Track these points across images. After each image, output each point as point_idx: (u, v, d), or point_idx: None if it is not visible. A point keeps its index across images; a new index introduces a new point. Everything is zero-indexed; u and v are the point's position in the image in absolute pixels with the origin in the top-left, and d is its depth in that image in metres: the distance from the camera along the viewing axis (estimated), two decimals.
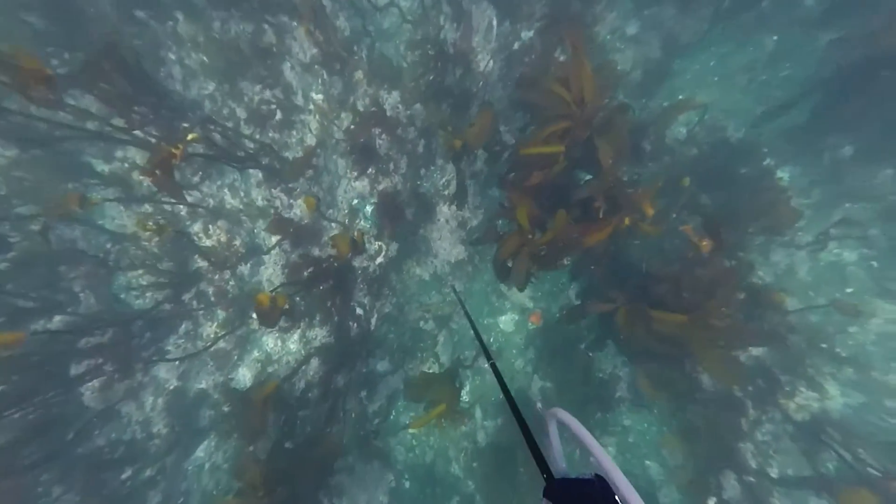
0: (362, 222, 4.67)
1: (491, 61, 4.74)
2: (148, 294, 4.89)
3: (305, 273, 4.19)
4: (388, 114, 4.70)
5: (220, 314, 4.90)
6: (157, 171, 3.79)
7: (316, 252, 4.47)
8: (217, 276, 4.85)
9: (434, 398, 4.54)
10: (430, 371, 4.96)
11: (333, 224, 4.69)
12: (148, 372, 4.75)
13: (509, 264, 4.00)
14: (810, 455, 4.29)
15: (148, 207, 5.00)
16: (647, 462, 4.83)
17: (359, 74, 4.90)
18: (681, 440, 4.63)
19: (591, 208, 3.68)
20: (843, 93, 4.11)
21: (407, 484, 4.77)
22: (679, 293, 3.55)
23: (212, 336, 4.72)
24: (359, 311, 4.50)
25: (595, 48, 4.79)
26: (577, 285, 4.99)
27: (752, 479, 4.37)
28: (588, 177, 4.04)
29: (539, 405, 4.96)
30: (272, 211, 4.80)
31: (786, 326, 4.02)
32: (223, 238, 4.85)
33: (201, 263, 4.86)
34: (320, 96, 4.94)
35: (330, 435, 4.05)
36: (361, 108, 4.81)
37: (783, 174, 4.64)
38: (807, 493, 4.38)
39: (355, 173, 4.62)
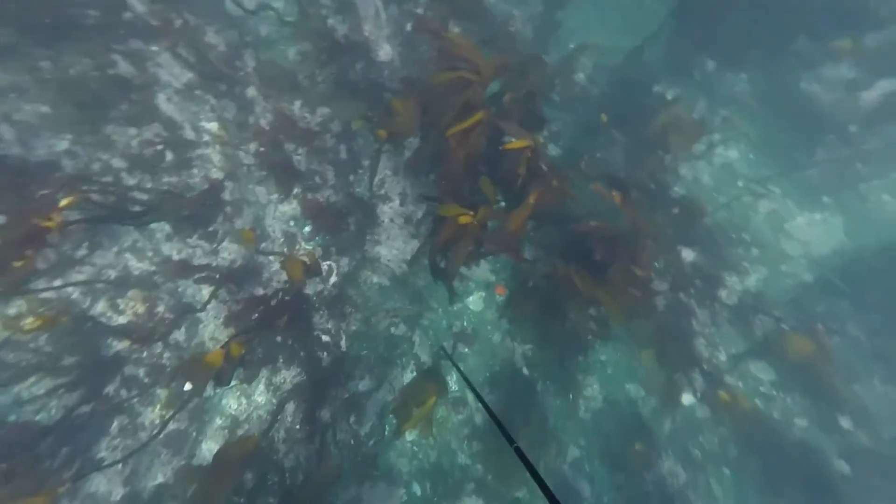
0: (304, 245, 4.20)
1: (388, 47, 4.51)
2: (53, 403, 3.89)
3: (254, 316, 3.66)
4: (299, 125, 4.25)
5: (162, 393, 4.11)
6: (28, 254, 2.96)
7: (260, 291, 3.93)
8: (146, 354, 4.04)
9: (423, 399, 4.35)
10: (412, 375, 4.74)
11: (271, 257, 4.16)
12: (77, 493, 3.80)
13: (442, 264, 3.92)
14: (746, 331, 5.00)
15: (22, 302, 3.94)
16: (627, 385, 5.19)
17: (251, 91, 4.34)
18: (649, 355, 5.07)
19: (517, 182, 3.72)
20: (691, 15, 4.65)
21: (418, 491, 4.53)
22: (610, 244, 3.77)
23: (157, 421, 3.94)
24: (325, 338, 4.08)
25: (483, 11, 4.80)
26: (532, 249, 5.12)
27: (707, 367, 4.95)
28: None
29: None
30: (194, 262, 4.09)
31: (705, 228, 4.57)
32: (140, 309, 4.03)
33: (119, 345, 4.00)
34: (213, 124, 4.29)
35: (323, 474, 3.66)
36: (266, 126, 4.29)
37: (671, 95, 5.16)
38: (751, 361, 5.11)
39: (280, 196, 4.11)
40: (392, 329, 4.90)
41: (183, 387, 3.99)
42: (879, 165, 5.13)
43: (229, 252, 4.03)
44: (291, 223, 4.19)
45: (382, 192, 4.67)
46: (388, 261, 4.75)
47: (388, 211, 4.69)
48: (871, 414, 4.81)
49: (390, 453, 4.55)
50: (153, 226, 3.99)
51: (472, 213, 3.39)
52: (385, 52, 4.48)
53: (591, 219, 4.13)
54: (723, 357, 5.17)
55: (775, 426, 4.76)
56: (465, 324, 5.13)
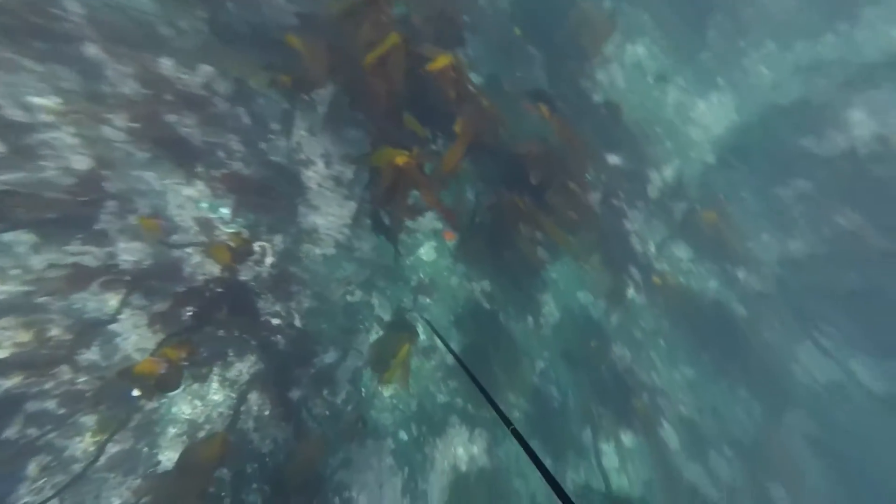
0: (225, 228, 3.62)
1: None
2: None
3: (186, 315, 3.19)
4: (178, 90, 3.46)
5: (89, 419, 3.55)
6: None
7: (185, 287, 3.38)
8: (51, 384, 3.39)
9: (396, 349, 4.34)
10: (378, 335, 4.66)
11: (188, 249, 3.56)
12: None
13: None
14: (668, 219, 5.57)
15: None
16: (578, 294, 5.63)
17: (91, 49, 3.37)
18: (593, 263, 5.49)
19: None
20: None
21: (405, 436, 4.67)
22: (545, 164, 3.78)
23: (91, 449, 3.45)
24: (275, 321, 3.74)
25: None
26: (473, 188, 5.03)
27: (642, 260, 5.50)
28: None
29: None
30: (86, 270, 3.36)
31: (625, 129, 4.82)
32: (25, 338, 3.29)
33: (8, 382, 3.30)
34: (49, 98, 3.31)
35: (307, 449, 3.59)
36: (133, 95, 3.42)
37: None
38: (673, 244, 5.78)
39: (179, 179, 3.42)
40: (348, 297, 4.66)
41: (129, 394, 3.49)
42: (755, 36, 5.66)
43: (131, 252, 3.35)
44: (203, 206, 3.57)
45: (302, 156, 4.14)
46: (328, 229, 4.36)
47: (313, 176, 4.20)
48: (760, 262, 5.79)
49: (371, 412, 4.57)
50: (6, 238, 3.13)
51: (406, 152, 3.11)
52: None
53: (524, 141, 4.08)
54: (653, 248, 5.77)
55: (695, 294, 5.55)
56: (421, 276, 5.06)
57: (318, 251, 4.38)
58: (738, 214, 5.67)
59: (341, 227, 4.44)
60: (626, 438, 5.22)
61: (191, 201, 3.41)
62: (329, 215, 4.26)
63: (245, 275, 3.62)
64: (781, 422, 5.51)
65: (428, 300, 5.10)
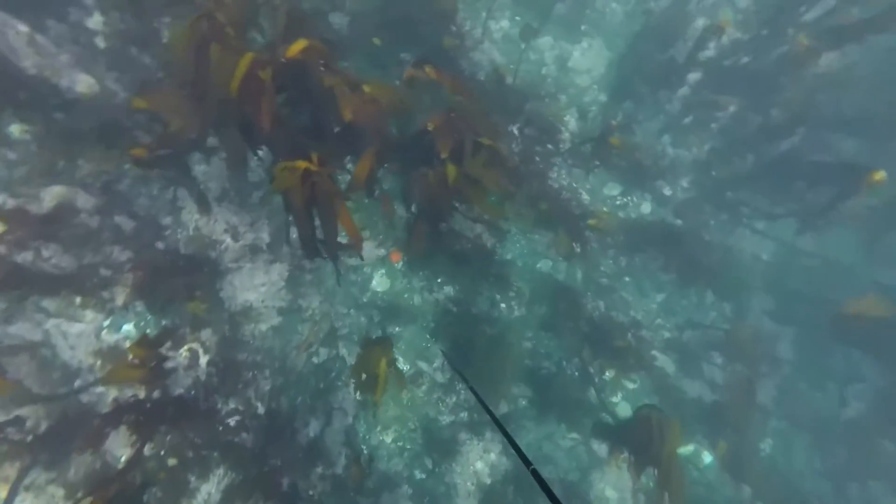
0: (132, 346, 3.10)
1: (83, 76, 3.30)
2: None
3: (115, 465, 2.69)
4: (27, 221, 2.94)
5: None
6: None
7: (104, 431, 2.83)
8: None
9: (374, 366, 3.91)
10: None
11: (99, 388, 3.01)
12: None
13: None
14: (584, 163, 5.73)
15: None
16: (538, 266, 5.62)
17: None
18: (539, 231, 5.51)
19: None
20: None
21: (421, 474, 4.33)
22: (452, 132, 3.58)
23: None
24: (234, 420, 3.30)
25: None
26: (401, 200, 4.85)
27: (581, 210, 5.59)
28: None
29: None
30: None
31: (517, 95, 4.91)
32: None
33: None
34: None
35: None
36: None
37: None
38: (599, 184, 5.95)
39: (60, 318, 2.90)
40: (314, 360, 4.31)
41: None
42: None
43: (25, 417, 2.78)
44: (103, 332, 3.05)
45: (205, 233, 3.75)
46: (263, 301, 3.99)
47: (225, 254, 3.82)
48: (676, 173, 6.10)
49: (380, 465, 4.21)
50: None
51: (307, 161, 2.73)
52: (82, 82, 3.26)
53: (423, 117, 3.81)
54: (585, 196, 5.89)
55: (637, 223, 5.74)
56: (381, 307, 4.81)
57: (262, 327, 3.99)
58: (642, 138, 5.96)
59: (278, 292, 4.08)
60: (629, 383, 5.27)
61: (84, 335, 2.90)
62: (259, 287, 3.89)
63: (179, 386, 3.16)
64: (749, 309, 5.83)
65: (398, 328, 4.86)
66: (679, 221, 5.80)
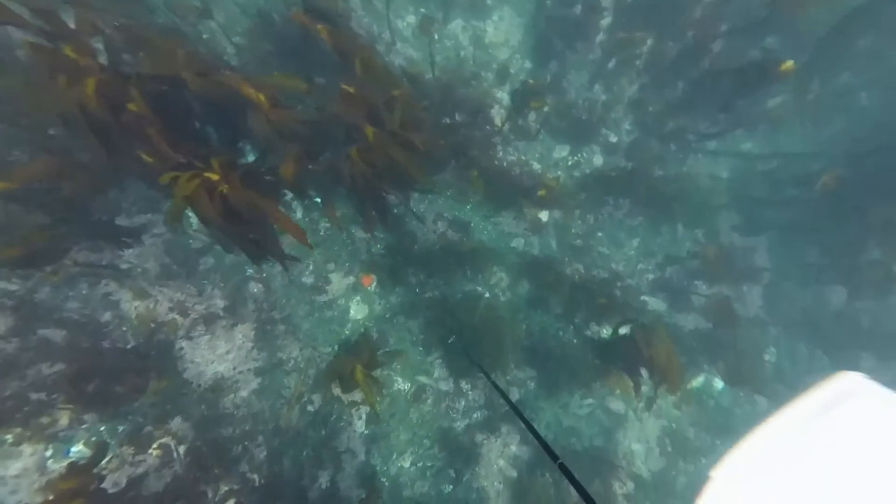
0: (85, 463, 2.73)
1: None
2: None
3: None
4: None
5: None
6: None
7: None
8: None
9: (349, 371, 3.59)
10: (363, 424, 4.11)
11: None
12: None
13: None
14: (526, 132, 5.57)
15: None
16: (511, 245, 5.44)
17: None
18: (503, 207, 5.33)
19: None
20: None
21: (448, 488, 4.10)
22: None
23: None
24: (230, 502, 2.98)
25: None
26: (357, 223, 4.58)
27: (535, 181, 5.42)
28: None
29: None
30: None
31: (442, 87, 4.69)
32: None
33: None
34: None
35: None
36: None
37: None
38: (552, 152, 5.79)
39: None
40: (309, 408, 4.05)
41: None
42: None
43: None
44: (48, 463, 2.65)
45: (149, 318, 3.41)
46: (235, 368, 3.70)
47: (177, 333, 3.50)
48: (615, 119, 5.98)
49: (404, 493, 3.98)
50: None
51: (205, 170, 2.37)
52: None
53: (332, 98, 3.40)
54: (537, 166, 5.72)
55: (593, 176, 5.61)
56: (362, 329, 4.57)
57: (243, 394, 3.71)
58: (575, 93, 5.82)
59: (248, 353, 3.79)
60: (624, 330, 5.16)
61: (25, 474, 2.53)
62: (225, 356, 3.60)
63: (155, 488, 2.85)
64: (718, 230, 5.79)
65: (387, 349, 4.62)
66: (631, 164, 5.70)
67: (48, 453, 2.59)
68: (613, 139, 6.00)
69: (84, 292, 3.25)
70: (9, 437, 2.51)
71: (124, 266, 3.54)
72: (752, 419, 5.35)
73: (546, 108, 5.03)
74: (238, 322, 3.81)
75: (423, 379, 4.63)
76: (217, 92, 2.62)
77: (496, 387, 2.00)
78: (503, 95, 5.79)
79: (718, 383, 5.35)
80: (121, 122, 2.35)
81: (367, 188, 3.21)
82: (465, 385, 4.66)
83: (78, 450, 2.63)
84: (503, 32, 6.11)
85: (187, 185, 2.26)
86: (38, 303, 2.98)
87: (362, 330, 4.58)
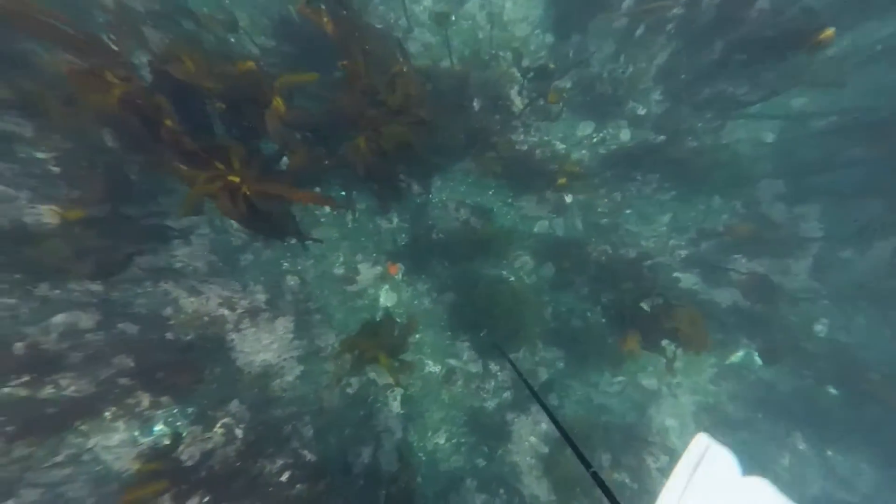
0: (165, 440, 3.02)
1: None
2: None
3: None
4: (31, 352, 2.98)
5: None
6: None
7: None
8: None
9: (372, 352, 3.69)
10: (398, 404, 4.30)
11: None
12: None
13: None
14: (546, 115, 5.34)
15: None
16: (534, 229, 5.36)
17: None
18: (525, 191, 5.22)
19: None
20: None
21: (482, 462, 4.26)
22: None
23: None
24: (285, 475, 3.23)
25: None
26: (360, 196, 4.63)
27: (560, 162, 5.23)
28: None
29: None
30: None
31: (454, 76, 4.56)
32: None
33: None
34: None
35: None
36: None
37: None
38: (568, 130, 5.54)
39: (95, 438, 2.97)
40: (348, 391, 4.30)
41: None
42: None
43: None
44: (139, 439, 3.00)
45: (202, 312, 3.71)
46: (280, 356, 3.98)
47: (227, 327, 3.79)
48: (641, 90, 5.56)
49: (439, 467, 4.14)
50: None
51: (223, 168, 2.49)
52: (46, 213, 3.22)
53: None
54: (560, 146, 5.50)
55: (621, 151, 5.32)
56: (397, 323, 4.73)
57: (288, 379, 3.99)
58: (597, 68, 5.45)
59: (290, 343, 4.06)
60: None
61: (123, 445, 2.93)
62: (270, 346, 3.87)
63: (221, 463, 3.16)
64: (760, 201, 5.35)
65: (417, 336, 4.77)
66: (662, 136, 5.34)
67: (136, 432, 2.97)
68: (642, 111, 5.63)
69: (149, 289, 3.58)
70: (107, 414, 2.90)
71: (178, 265, 3.86)
72: (797, 393, 5.04)
73: (566, 94, 4.74)
74: (279, 314, 4.06)
75: (452, 362, 4.76)
76: (237, 95, 2.72)
77: (530, 389, 1.96)
78: (522, 76, 5.55)
79: (759, 359, 5.09)
80: (158, 135, 2.50)
81: (380, 172, 3.24)
82: (493, 367, 4.74)
83: (160, 429, 2.99)
84: (522, 8, 5.79)
85: (207, 186, 2.40)
86: (115, 300, 3.34)
87: (389, 315, 4.74)
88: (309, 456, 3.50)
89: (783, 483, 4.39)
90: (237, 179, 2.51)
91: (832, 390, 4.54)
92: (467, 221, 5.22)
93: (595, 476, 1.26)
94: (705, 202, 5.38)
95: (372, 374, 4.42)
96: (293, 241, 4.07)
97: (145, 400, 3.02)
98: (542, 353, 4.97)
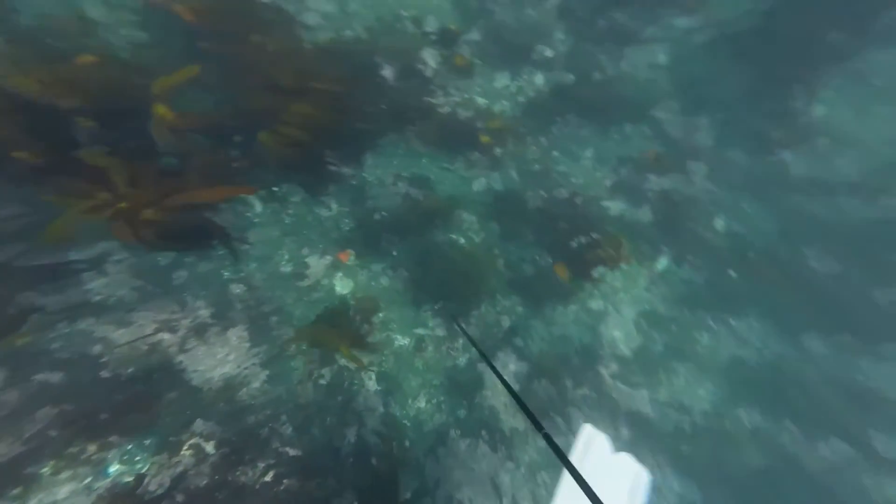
0: (124, 477, 2.88)
1: None
2: None
3: None
4: None
5: None
6: None
7: None
8: None
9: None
10: (375, 383, 4.36)
11: None
12: None
13: None
14: (460, 75, 5.28)
15: None
16: (472, 189, 5.41)
17: None
18: (455, 153, 5.22)
19: None
20: None
21: (463, 413, 4.54)
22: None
23: None
24: (269, 475, 3.26)
25: None
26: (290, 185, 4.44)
27: (482, 117, 5.25)
28: None
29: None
30: None
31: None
32: None
33: None
34: None
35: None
36: None
37: None
38: (483, 83, 5.54)
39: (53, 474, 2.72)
40: (321, 382, 4.27)
41: None
42: None
43: None
44: (90, 483, 2.80)
45: (139, 343, 3.43)
46: (240, 366, 3.81)
47: (171, 351, 3.53)
48: (543, 28, 5.67)
49: (423, 429, 4.33)
50: None
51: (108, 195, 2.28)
52: None
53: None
54: (481, 101, 5.49)
55: (536, 99, 5.45)
56: (354, 306, 4.68)
57: (255, 385, 3.86)
58: (502, 15, 5.41)
59: (248, 350, 3.89)
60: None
61: (75, 495, 2.69)
62: (227, 358, 3.69)
63: (196, 483, 3.08)
64: (661, 121, 5.78)
65: (381, 315, 4.78)
66: (571, 75, 5.52)
67: (88, 479, 2.75)
68: (549, 53, 5.74)
69: (66, 331, 3.21)
70: (45, 470, 2.65)
71: (97, 298, 3.47)
72: (708, 283, 5.76)
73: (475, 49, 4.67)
74: (229, 325, 3.85)
75: (420, 331, 4.85)
76: (105, 108, 2.38)
77: (485, 357, 2.06)
78: (431, 35, 5.37)
79: (674, 262, 5.72)
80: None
81: (302, 160, 3.10)
82: (458, 326, 4.92)
83: (116, 468, 2.80)
84: None
85: (89, 216, 2.14)
86: (23, 352, 2.96)
87: (352, 303, 4.69)
88: (293, 452, 3.49)
89: (700, 359, 5.13)
90: (125, 206, 2.25)
91: (732, 273, 5.29)
92: (407, 194, 5.17)
93: (547, 438, 1.33)
94: (618, 131, 5.74)
95: (342, 361, 4.41)
96: (222, 250, 3.81)
97: (91, 445, 2.78)
98: (503, 302, 5.22)
